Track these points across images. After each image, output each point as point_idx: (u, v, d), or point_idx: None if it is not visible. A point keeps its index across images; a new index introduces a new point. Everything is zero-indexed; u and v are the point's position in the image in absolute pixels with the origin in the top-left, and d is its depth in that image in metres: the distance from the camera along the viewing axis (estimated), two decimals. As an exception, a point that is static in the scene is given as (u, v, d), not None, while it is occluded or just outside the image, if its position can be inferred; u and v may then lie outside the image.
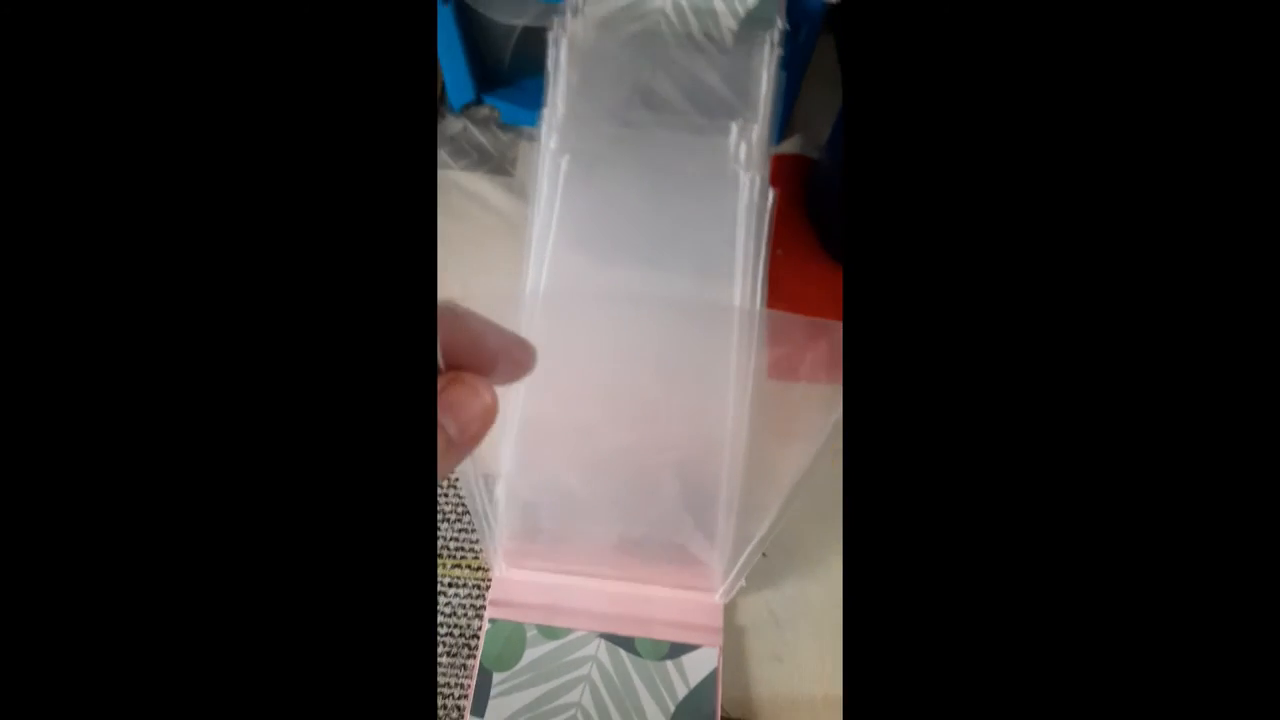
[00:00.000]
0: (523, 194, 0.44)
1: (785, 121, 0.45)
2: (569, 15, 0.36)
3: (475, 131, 0.46)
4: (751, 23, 0.36)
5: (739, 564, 0.32)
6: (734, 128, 0.35)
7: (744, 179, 0.35)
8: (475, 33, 0.42)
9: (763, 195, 0.35)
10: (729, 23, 0.36)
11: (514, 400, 0.33)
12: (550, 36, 0.35)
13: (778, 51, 0.35)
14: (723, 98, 0.36)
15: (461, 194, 0.45)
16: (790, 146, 0.46)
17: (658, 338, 0.34)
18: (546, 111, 0.36)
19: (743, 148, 0.35)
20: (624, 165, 0.36)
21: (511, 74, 0.44)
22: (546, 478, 0.35)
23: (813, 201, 0.44)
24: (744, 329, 0.34)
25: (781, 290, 0.42)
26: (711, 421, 0.33)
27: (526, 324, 0.33)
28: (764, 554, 0.36)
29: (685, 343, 0.34)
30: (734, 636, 0.35)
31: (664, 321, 0.34)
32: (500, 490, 0.34)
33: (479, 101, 0.45)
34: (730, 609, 0.35)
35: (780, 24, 0.35)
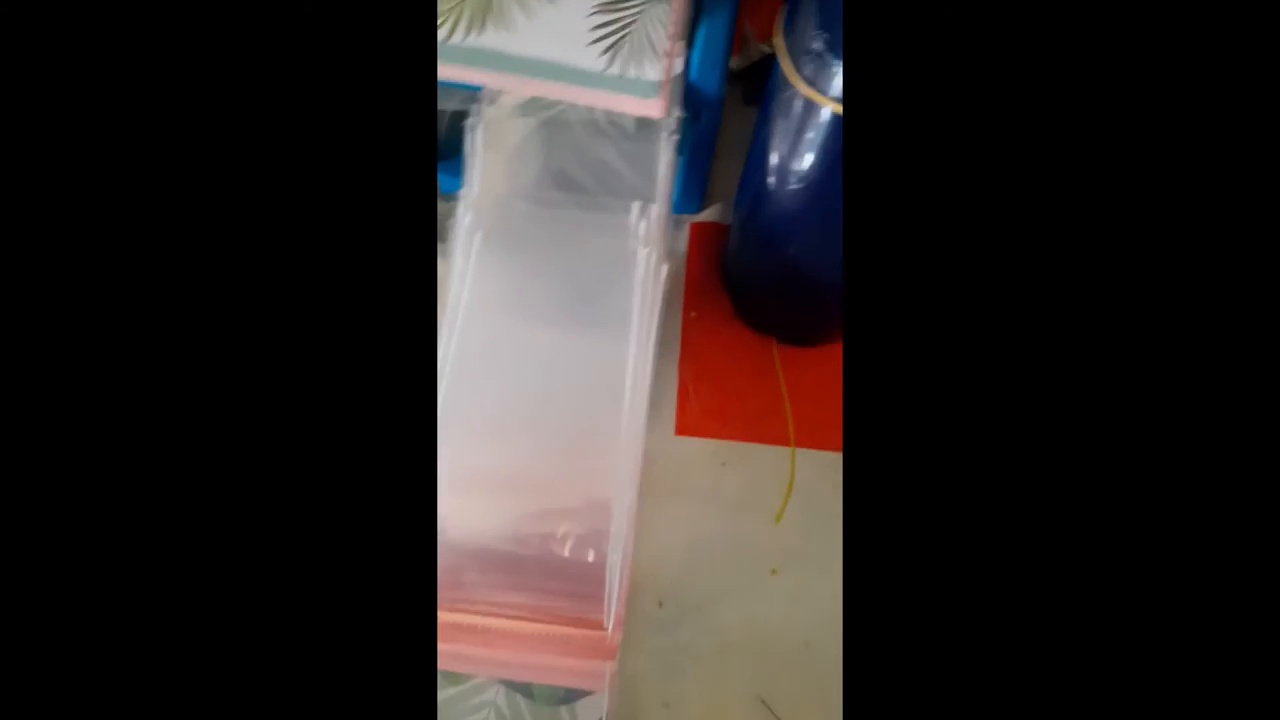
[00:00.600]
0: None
1: (703, 193, 0.49)
2: (485, 103, 0.39)
3: (415, 201, 0.49)
4: (651, 111, 0.39)
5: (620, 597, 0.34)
6: (635, 207, 0.39)
7: (641, 253, 0.38)
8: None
9: (658, 267, 0.39)
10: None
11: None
12: (468, 123, 0.39)
13: (675, 137, 0.39)
14: (626, 179, 0.40)
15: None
16: (709, 215, 0.49)
17: (557, 399, 0.37)
18: (464, 190, 0.40)
19: (642, 225, 0.39)
20: (533, 240, 0.39)
21: (445, 150, 0.48)
22: (452, 529, 0.37)
23: (724, 267, 0.47)
24: (635, 391, 0.37)
25: (693, 351, 0.45)
26: (603, 477, 0.36)
27: (443, 385, 0.36)
28: (660, 604, 0.38)
29: (581, 402, 0.37)
30: (626, 683, 0.37)
31: (562, 381, 0.37)
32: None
33: (418, 173, 0.49)
34: (623, 656, 0.37)
35: (677, 112, 0.38)
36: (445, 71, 0.37)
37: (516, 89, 0.37)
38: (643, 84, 0.34)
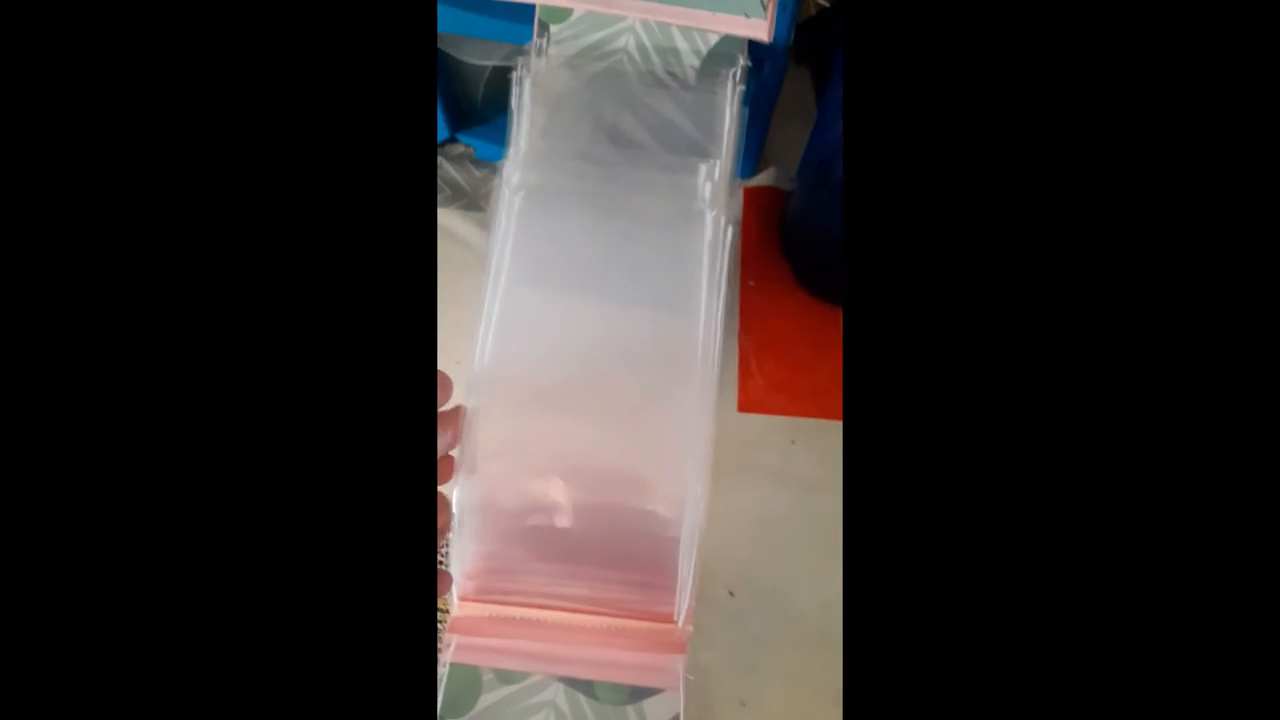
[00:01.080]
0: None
1: (758, 155, 0.46)
2: (533, 55, 0.36)
3: (449, 168, 0.46)
4: (714, 60, 0.36)
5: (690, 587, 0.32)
6: (701, 166, 0.36)
7: (709, 215, 0.35)
8: (448, 73, 0.42)
9: (725, 230, 0.35)
10: (691, 61, 0.36)
11: (466, 436, 0.33)
12: (514, 76, 0.36)
13: (740, 88, 0.36)
14: (687, 134, 0.37)
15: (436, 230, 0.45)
16: (764, 179, 0.46)
17: (616, 373, 0.34)
18: (511, 149, 0.36)
19: (707, 185, 0.35)
20: (584, 202, 0.36)
21: (484, 112, 0.45)
22: (502, 513, 0.34)
23: (786, 234, 0.44)
24: (705, 366, 0.34)
25: (754, 322, 0.42)
26: (671, 458, 0.33)
27: (479, 357, 0.33)
28: (730, 592, 0.36)
29: (644, 381, 0.34)
30: (698, 679, 0.34)
31: (621, 355, 0.34)
32: (454, 524, 0.33)
33: (453, 139, 0.46)
34: (694, 650, 0.34)
35: (742, 61, 0.35)
36: None
37: (604, 9, 0.34)
38: (747, 1, 0.31)
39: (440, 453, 0.27)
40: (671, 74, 0.37)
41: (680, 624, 0.33)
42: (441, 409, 0.25)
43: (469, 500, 0.33)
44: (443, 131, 0.45)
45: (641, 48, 0.37)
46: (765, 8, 0.31)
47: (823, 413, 0.39)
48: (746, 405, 0.40)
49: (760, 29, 0.32)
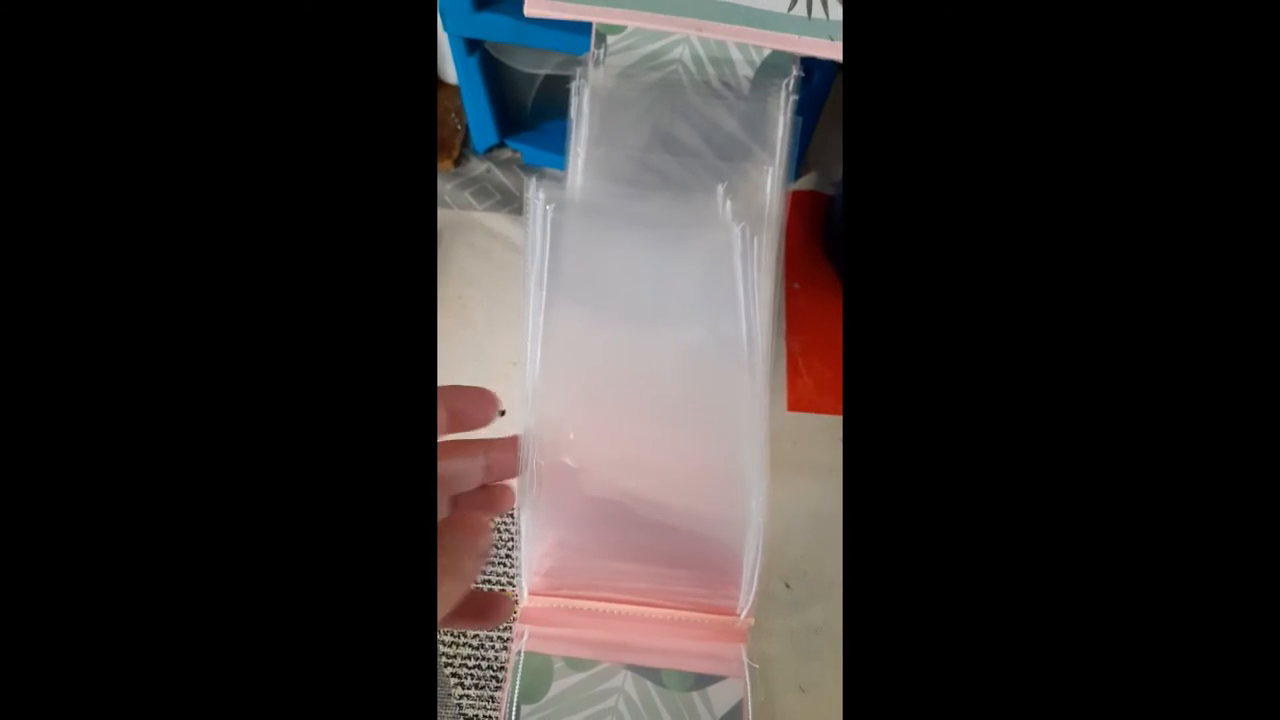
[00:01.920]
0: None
1: (801, 159, 0.47)
2: (591, 66, 0.37)
3: (499, 173, 0.47)
4: (767, 70, 0.37)
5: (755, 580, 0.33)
6: (752, 171, 0.37)
7: (762, 219, 0.36)
8: (499, 80, 0.43)
9: (776, 236, 0.37)
10: (745, 71, 0.37)
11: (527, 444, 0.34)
12: (573, 86, 0.37)
13: (793, 97, 0.37)
14: (740, 141, 0.38)
15: (485, 233, 0.46)
16: (806, 184, 0.47)
17: (669, 384, 0.35)
18: (570, 157, 0.38)
19: (762, 190, 0.37)
20: (632, 216, 0.37)
21: (533, 118, 0.46)
22: (570, 509, 0.36)
23: (829, 236, 0.45)
24: (756, 371, 0.35)
25: (801, 324, 0.43)
26: (730, 459, 0.34)
27: (529, 373, 0.34)
28: (787, 584, 0.37)
29: (698, 387, 0.35)
30: (759, 668, 0.35)
31: (674, 369, 0.35)
32: (523, 522, 0.35)
33: (502, 145, 0.47)
34: (754, 640, 0.36)
35: (795, 71, 0.36)
36: (613, 16, 0.35)
37: (695, 33, 0.35)
38: (829, 25, 0.32)
39: (499, 478, 0.28)
40: (726, 84, 0.38)
41: (743, 616, 0.34)
42: (501, 436, 0.26)
43: (536, 499, 0.34)
44: (493, 137, 0.46)
45: (696, 58, 0.38)
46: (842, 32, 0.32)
47: (871, 411, 0.40)
48: (796, 405, 0.41)
49: (837, 51, 0.33)
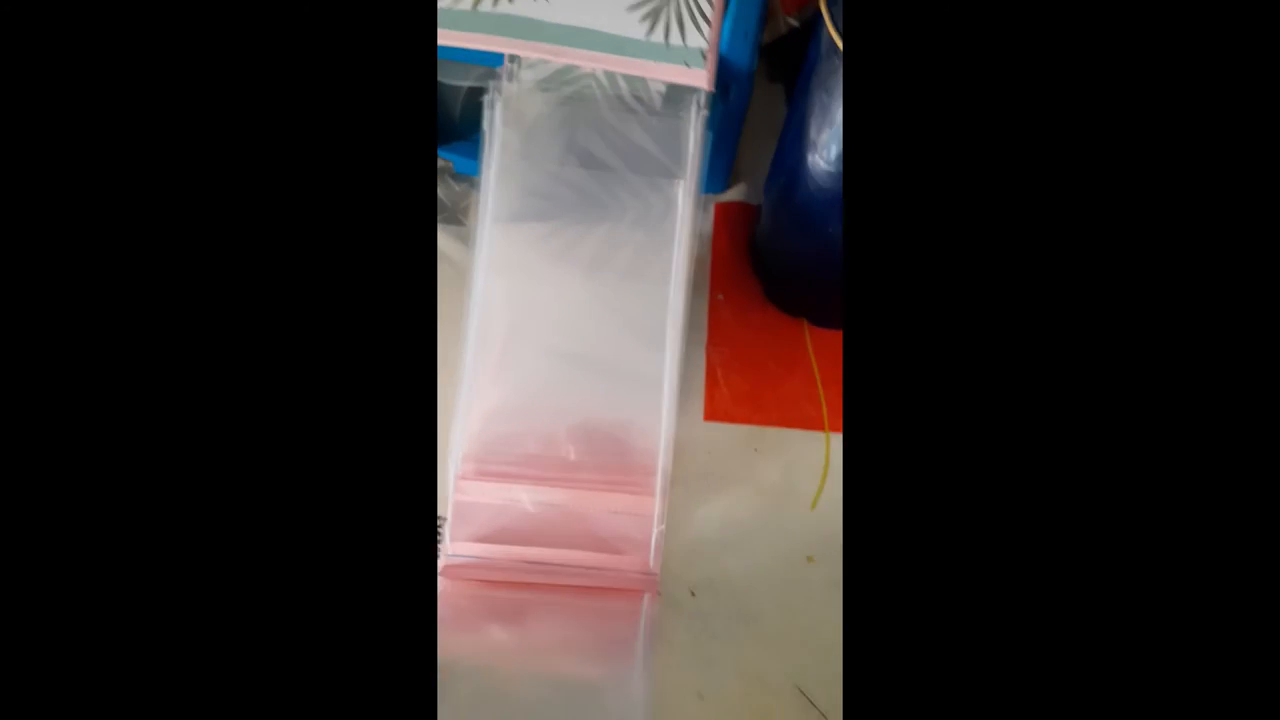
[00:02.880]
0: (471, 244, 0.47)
1: (728, 171, 0.47)
2: (504, 79, 0.38)
3: (431, 182, 0.48)
4: (679, 87, 0.38)
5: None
6: (664, 185, 0.37)
7: (676, 231, 0.37)
8: (428, 91, 0.44)
9: (689, 247, 0.37)
10: (658, 86, 0.38)
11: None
12: (485, 100, 0.37)
13: (704, 113, 0.37)
14: (654, 157, 0.38)
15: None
16: (734, 195, 0.48)
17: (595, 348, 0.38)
18: (483, 170, 0.38)
19: (674, 203, 0.37)
20: (557, 218, 0.38)
21: (463, 128, 0.46)
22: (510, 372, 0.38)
23: (754, 249, 0.46)
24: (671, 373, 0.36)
25: (722, 335, 0.44)
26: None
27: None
28: (692, 593, 0.38)
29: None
30: (659, 673, 0.36)
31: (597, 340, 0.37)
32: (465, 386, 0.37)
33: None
34: (655, 646, 0.36)
35: (706, 87, 0.37)
36: (473, 41, 0.35)
37: (551, 58, 0.35)
38: (688, 52, 0.32)
39: None
40: (638, 98, 0.39)
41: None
42: None
43: (483, 358, 0.37)
44: (423, 147, 0.47)
45: (609, 73, 0.38)
46: (705, 58, 0.33)
47: (785, 422, 0.41)
48: (713, 415, 0.41)
49: (700, 78, 0.33)
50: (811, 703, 0.35)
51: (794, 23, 0.48)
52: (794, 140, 0.37)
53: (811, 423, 0.41)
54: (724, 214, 0.47)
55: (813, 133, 0.34)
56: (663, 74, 0.34)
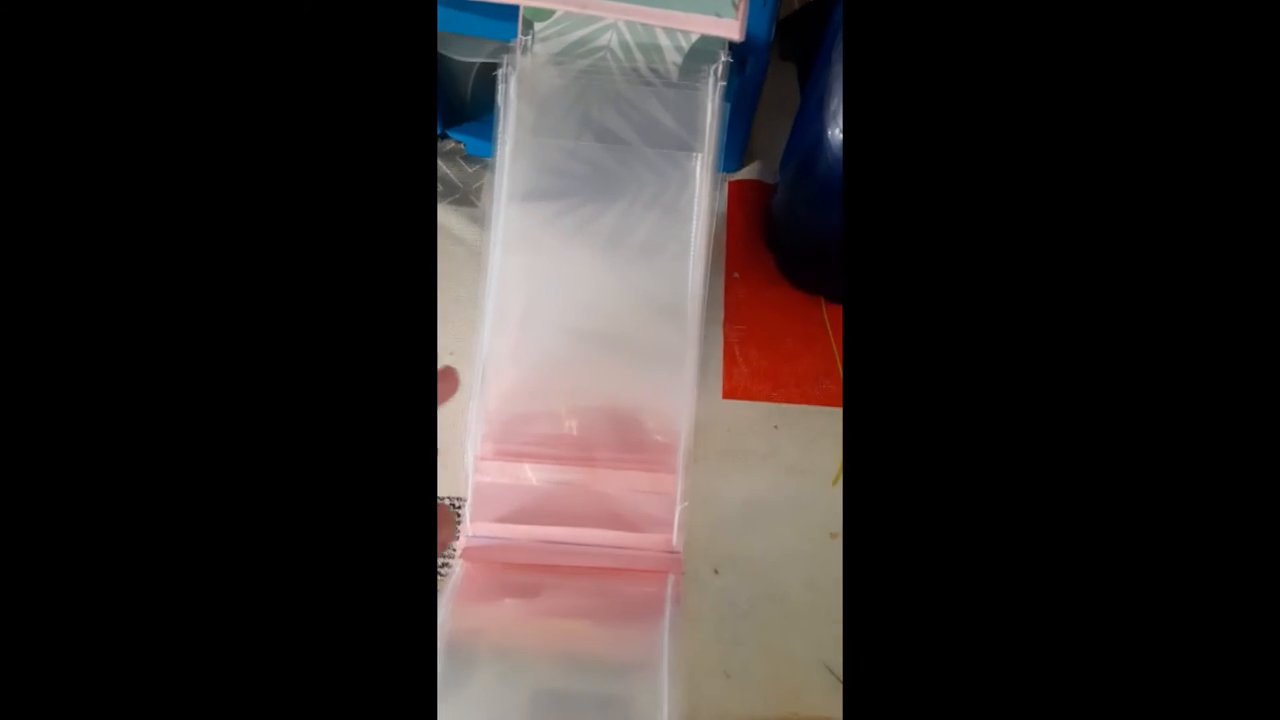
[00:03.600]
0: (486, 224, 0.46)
1: (743, 149, 0.47)
2: (518, 53, 0.37)
3: (442, 165, 0.47)
4: (695, 57, 0.37)
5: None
6: (683, 159, 0.37)
7: (695, 208, 0.37)
8: (438, 70, 0.43)
9: (709, 223, 0.37)
10: (674, 58, 0.37)
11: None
12: (499, 74, 0.37)
13: (721, 84, 0.37)
14: (670, 130, 0.38)
15: (429, 224, 0.46)
16: (748, 173, 0.47)
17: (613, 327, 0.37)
18: (498, 146, 0.38)
19: (692, 178, 0.37)
20: (573, 197, 0.37)
21: (474, 109, 0.46)
22: (527, 351, 0.37)
23: (769, 227, 0.45)
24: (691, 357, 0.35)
25: (739, 313, 0.43)
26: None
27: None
28: (716, 570, 0.37)
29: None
30: (686, 652, 0.35)
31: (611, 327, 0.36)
32: (484, 367, 0.37)
33: (444, 136, 0.47)
34: (681, 624, 0.36)
35: (724, 57, 0.36)
36: None
37: (578, 10, 0.35)
38: (719, 2, 0.32)
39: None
40: (654, 70, 0.38)
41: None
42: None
43: (500, 339, 0.36)
44: (435, 128, 0.46)
45: (624, 45, 0.38)
46: (736, 8, 0.32)
47: (805, 399, 0.40)
48: (732, 393, 0.41)
49: (732, 29, 0.33)
50: (839, 679, 0.34)
51: (806, -1, 0.47)
52: (813, 115, 0.36)
53: (831, 399, 0.40)
54: (738, 192, 0.47)
55: (832, 107, 0.34)
56: (693, 25, 0.33)
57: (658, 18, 0.32)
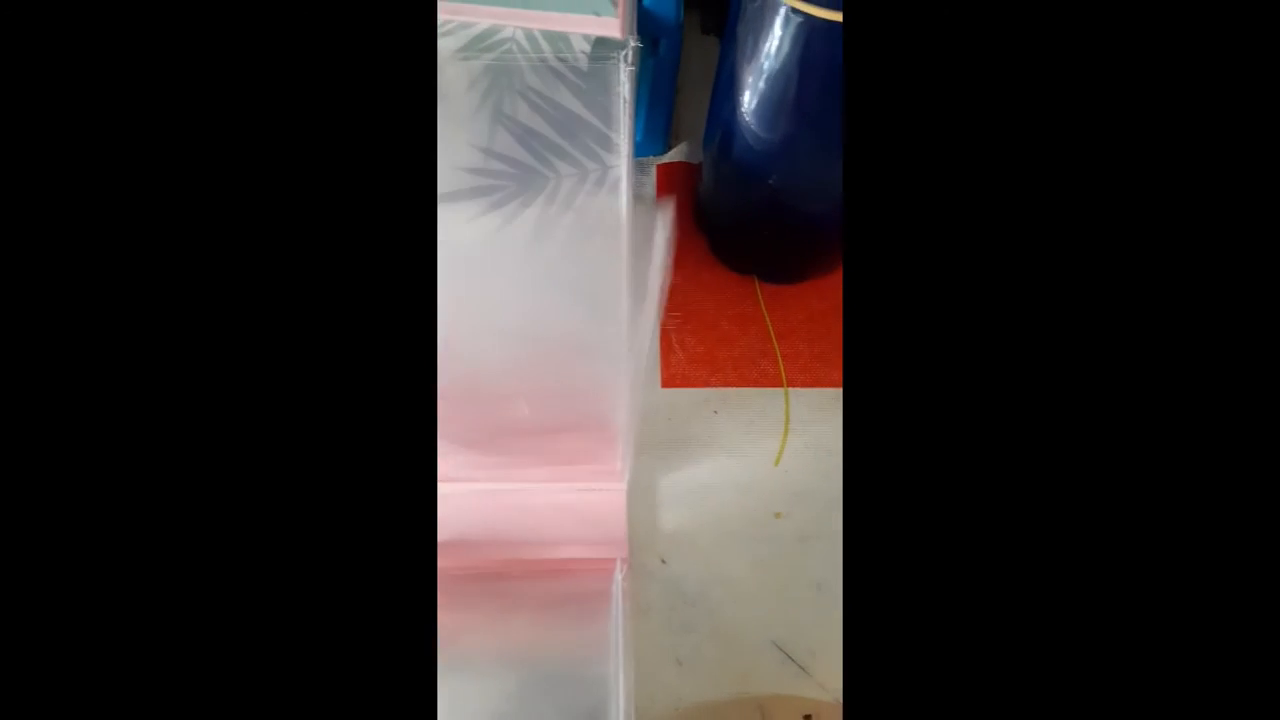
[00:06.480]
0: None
1: (667, 131, 0.46)
2: (423, 51, 0.36)
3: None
4: (604, 44, 0.36)
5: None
6: (600, 149, 0.36)
7: (621, 196, 0.36)
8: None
9: (631, 211, 0.36)
10: (582, 45, 0.36)
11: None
12: (405, 74, 0.36)
13: (631, 69, 0.36)
14: (584, 119, 0.37)
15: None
16: (676, 155, 0.47)
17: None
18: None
19: (610, 168, 0.36)
20: (491, 199, 0.37)
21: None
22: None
23: (698, 208, 0.45)
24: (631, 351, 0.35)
25: (674, 299, 0.43)
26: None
27: None
28: (663, 560, 0.37)
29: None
30: (636, 644, 0.36)
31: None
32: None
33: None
34: (631, 617, 0.36)
35: (633, 42, 0.36)
36: None
37: (450, 17, 0.34)
38: (597, 1, 0.31)
39: None
40: (563, 60, 0.37)
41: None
42: None
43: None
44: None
45: (530, 36, 0.37)
46: (615, 5, 0.31)
47: (743, 381, 0.40)
48: (670, 381, 0.41)
49: (613, 26, 0.32)
50: (789, 657, 0.35)
51: (721, -28, 0.46)
52: (725, 91, 0.36)
53: (769, 379, 0.40)
54: (666, 175, 0.46)
55: (746, 79, 0.33)
56: (572, 25, 0.32)
57: (536, 20, 0.32)
